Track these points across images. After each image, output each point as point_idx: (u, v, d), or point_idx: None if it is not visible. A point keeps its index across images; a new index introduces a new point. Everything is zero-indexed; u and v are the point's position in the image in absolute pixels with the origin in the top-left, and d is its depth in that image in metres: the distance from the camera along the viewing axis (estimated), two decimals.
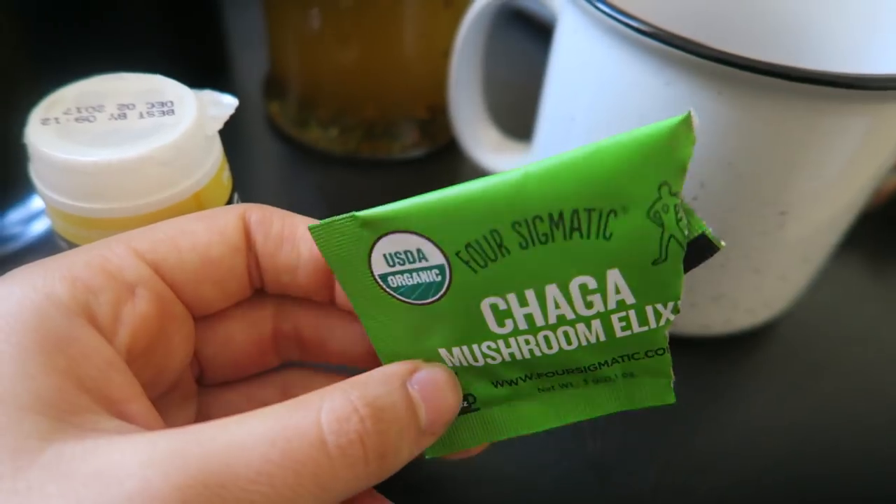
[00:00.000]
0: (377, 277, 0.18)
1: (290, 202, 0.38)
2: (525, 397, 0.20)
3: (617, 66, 0.25)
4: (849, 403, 0.32)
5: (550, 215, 0.16)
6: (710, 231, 0.17)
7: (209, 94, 0.22)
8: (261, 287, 0.21)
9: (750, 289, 0.30)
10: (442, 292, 0.18)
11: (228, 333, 0.21)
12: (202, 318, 0.21)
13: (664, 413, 0.24)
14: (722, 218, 0.27)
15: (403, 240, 0.17)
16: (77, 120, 0.20)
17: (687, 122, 0.15)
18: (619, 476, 0.28)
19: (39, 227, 0.33)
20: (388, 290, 0.18)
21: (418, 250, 0.17)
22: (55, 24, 0.38)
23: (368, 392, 0.17)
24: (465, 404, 0.20)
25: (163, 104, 0.21)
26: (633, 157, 0.16)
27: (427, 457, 0.21)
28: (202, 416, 0.22)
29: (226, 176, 0.23)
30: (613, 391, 0.20)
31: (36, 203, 0.33)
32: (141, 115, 0.21)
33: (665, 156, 0.16)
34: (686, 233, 0.16)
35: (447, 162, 0.41)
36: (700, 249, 0.17)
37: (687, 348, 0.32)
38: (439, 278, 0.18)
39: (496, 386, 0.20)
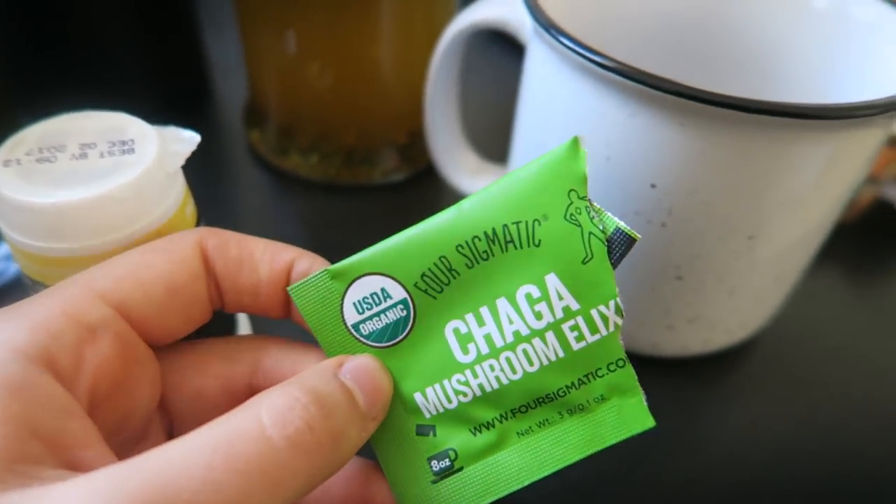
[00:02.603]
0: (350, 328, 0.20)
1: (271, 229, 0.38)
2: (506, 446, 0.20)
3: (583, 97, 0.25)
4: (830, 418, 0.32)
5: (485, 233, 0.19)
6: (622, 225, 0.19)
7: (171, 131, 0.22)
8: (220, 308, 0.21)
9: (725, 310, 0.30)
10: (409, 327, 0.20)
11: (200, 389, 0.21)
12: (172, 374, 0.21)
13: (645, 433, 0.24)
14: (692, 243, 0.27)
15: (368, 283, 0.20)
16: (38, 161, 0.20)
17: (575, 142, 0.19)
18: (600, 499, 0.28)
19: None
20: (361, 339, 0.20)
21: (382, 289, 0.20)
22: (36, 56, 0.38)
23: (306, 384, 0.17)
24: (448, 464, 0.20)
25: (123, 143, 0.21)
26: (542, 175, 0.19)
27: None
28: None
29: (189, 210, 0.23)
30: (591, 424, 0.20)
31: None
32: (101, 155, 0.21)
33: (566, 169, 0.19)
34: (601, 227, 0.19)
35: (427, 185, 0.41)
36: (620, 243, 0.19)
37: (667, 369, 0.32)
38: (404, 313, 0.20)
39: (475, 434, 0.20)
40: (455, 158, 0.37)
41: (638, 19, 0.34)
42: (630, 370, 0.20)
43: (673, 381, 0.32)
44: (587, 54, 0.23)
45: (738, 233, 0.26)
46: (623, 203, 0.26)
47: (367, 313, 0.20)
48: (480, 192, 0.20)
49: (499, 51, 0.54)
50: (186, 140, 0.22)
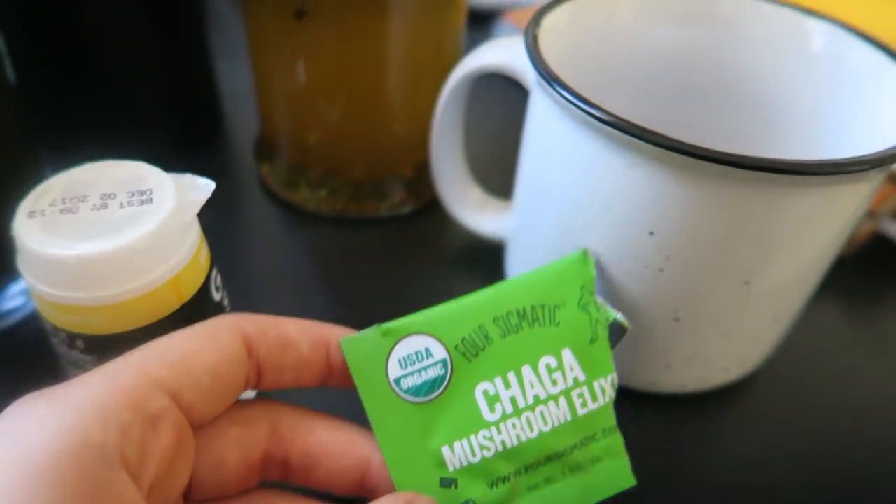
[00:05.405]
0: (392, 382, 0.23)
1: (281, 261, 0.39)
2: (516, 499, 0.23)
3: (584, 147, 0.26)
4: (829, 452, 0.32)
5: (517, 311, 0.24)
6: (619, 317, 0.25)
7: (188, 178, 0.23)
8: (253, 388, 0.22)
9: (722, 350, 0.31)
10: (445, 384, 0.23)
11: (223, 456, 0.21)
12: (201, 442, 0.21)
13: (645, 469, 0.25)
14: (688, 287, 0.27)
15: (414, 342, 0.23)
16: (62, 211, 0.21)
17: (585, 253, 0.26)
18: None
19: None
20: (400, 392, 0.23)
21: (426, 348, 0.23)
22: (48, 89, 0.39)
23: None
24: None
25: (142, 192, 0.22)
26: (562, 272, 0.25)
27: None
28: None
29: (203, 256, 0.24)
30: (586, 481, 0.24)
31: None
32: (121, 205, 0.22)
33: (579, 270, 0.25)
34: (605, 318, 0.24)
35: (433, 218, 0.42)
36: (615, 331, 0.25)
37: (666, 403, 0.33)
38: (442, 371, 0.23)
39: (492, 487, 0.23)
40: (460, 193, 0.38)
41: (641, 62, 0.35)
42: (619, 436, 0.24)
43: (671, 416, 0.33)
44: (587, 108, 0.24)
45: (734, 278, 0.27)
46: (622, 249, 0.27)
47: (410, 369, 0.23)
48: (516, 277, 0.25)
49: (503, 86, 0.55)
50: (202, 188, 0.23)
